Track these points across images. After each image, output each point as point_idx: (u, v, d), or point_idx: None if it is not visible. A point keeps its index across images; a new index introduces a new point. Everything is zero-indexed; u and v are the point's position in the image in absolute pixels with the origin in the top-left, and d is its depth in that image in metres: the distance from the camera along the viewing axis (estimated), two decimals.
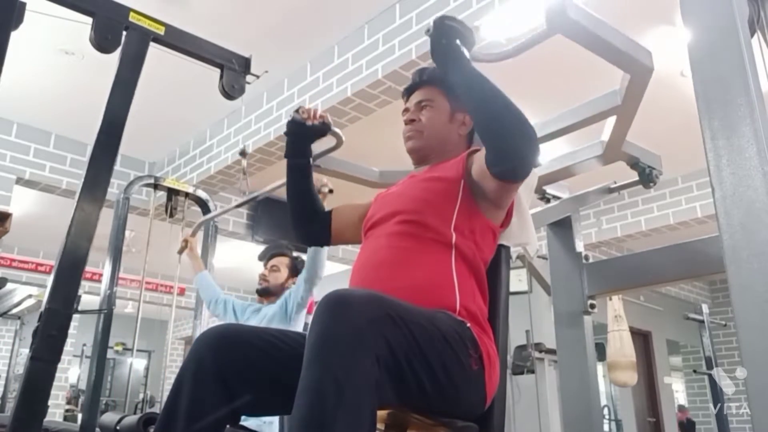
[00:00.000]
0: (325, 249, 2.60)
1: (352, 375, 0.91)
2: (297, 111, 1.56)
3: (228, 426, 1.18)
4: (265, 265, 2.96)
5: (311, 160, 1.60)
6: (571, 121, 1.66)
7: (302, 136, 1.55)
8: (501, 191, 1.30)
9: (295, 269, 2.92)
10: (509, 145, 1.20)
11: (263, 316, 2.77)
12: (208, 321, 3.54)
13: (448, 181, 1.35)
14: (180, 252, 3.16)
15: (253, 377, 1.18)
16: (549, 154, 1.90)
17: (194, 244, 3.13)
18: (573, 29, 1.15)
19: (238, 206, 2.94)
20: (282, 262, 2.94)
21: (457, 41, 1.24)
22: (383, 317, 1.00)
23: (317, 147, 1.69)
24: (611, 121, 1.66)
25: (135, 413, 4.26)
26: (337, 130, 1.65)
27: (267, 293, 2.89)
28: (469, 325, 1.21)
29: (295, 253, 3.00)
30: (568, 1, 1.12)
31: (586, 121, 1.64)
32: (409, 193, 1.39)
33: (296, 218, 1.58)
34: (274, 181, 4.59)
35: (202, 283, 3.07)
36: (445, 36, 1.24)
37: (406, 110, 1.51)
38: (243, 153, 2.55)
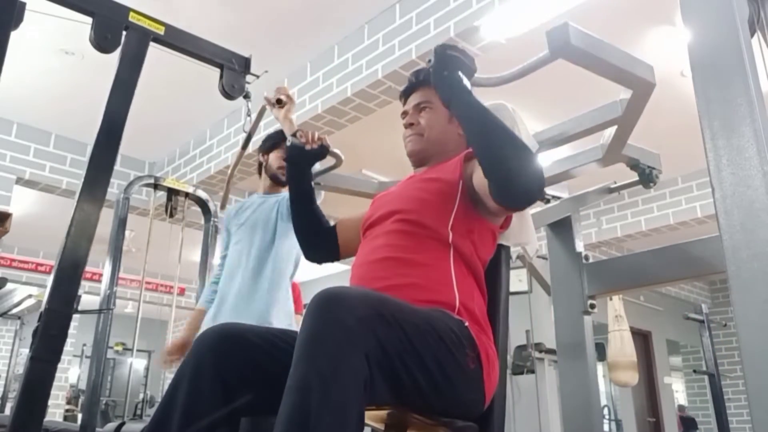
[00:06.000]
0: None
1: (338, 373, 0.91)
2: (294, 135, 1.57)
3: (225, 429, 1.17)
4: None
5: (312, 182, 1.60)
6: (572, 131, 1.68)
7: (302, 161, 1.56)
8: (502, 212, 1.32)
9: None
10: (512, 183, 1.18)
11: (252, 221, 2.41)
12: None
13: (445, 182, 1.35)
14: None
15: (253, 377, 1.17)
16: (549, 158, 1.90)
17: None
18: (575, 54, 1.15)
19: (243, 147, 2.75)
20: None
21: (459, 73, 1.24)
22: (374, 315, 1.00)
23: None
24: (612, 128, 1.67)
25: (135, 413, 4.26)
26: (336, 150, 1.65)
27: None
28: (467, 324, 1.21)
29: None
30: (570, 28, 1.12)
31: (586, 131, 1.67)
32: (407, 194, 1.39)
33: (304, 240, 1.60)
34: None
35: None
36: (447, 67, 1.24)
37: (404, 113, 1.51)
38: (247, 96, 2.46)
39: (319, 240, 1.57)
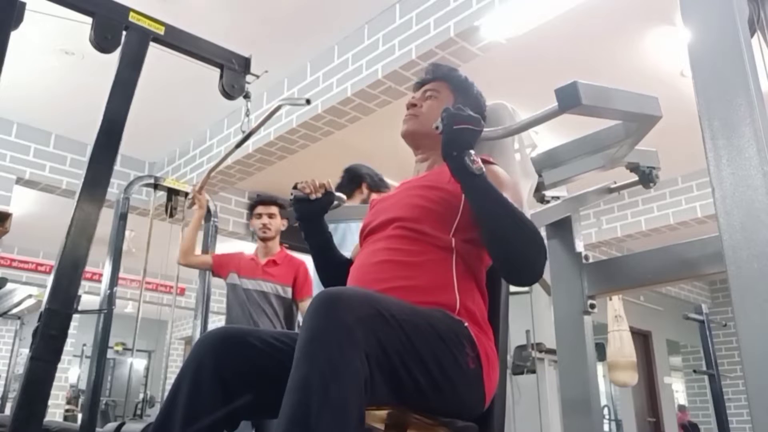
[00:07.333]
0: None
1: (339, 372, 0.91)
2: (295, 187, 1.46)
3: (226, 430, 1.17)
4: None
5: (327, 230, 1.51)
6: (575, 154, 1.71)
7: (312, 214, 1.47)
8: None
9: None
10: (516, 270, 1.22)
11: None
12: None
13: (447, 192, 1.33)
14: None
15: (254, 379, 1.17)
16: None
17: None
18: (585, 110, 1.16)
19: (238, 145, 2.76)
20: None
21: (470, 152, 1.19)
22: (374, 315, 1.00)
23: None
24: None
25: (135, 413, 4.26)
26: (339, 194, 1.55)
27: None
28: (467, 324, 1.21)
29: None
30: (580, 86, 1.12)
31: (589, 153, 1.70)
32: (407, 201, 1.38)
33: (331, 284, 1.53)
34: (274, 181, 4.51)
35: None
36: (454, 147, 1.19)
37: (411, 98, 1.52)
38: (247, 96, 2.47)
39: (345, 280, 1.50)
